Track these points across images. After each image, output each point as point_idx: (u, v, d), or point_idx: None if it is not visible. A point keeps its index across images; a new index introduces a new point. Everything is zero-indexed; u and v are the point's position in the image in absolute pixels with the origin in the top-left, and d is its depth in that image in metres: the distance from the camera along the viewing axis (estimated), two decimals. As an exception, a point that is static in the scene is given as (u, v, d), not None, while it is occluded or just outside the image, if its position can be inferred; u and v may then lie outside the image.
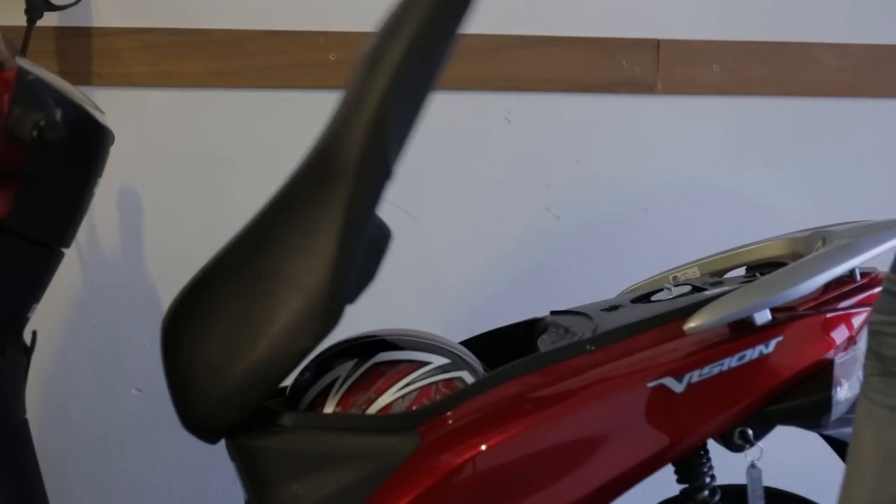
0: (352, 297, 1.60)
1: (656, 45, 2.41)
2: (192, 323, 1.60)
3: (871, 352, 1.39)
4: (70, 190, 1.66)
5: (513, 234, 2.40)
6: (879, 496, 1.36)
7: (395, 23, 1.53)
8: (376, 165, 1.54)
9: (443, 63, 1.55)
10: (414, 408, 1.58)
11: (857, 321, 1.65)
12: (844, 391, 1.61)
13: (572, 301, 1.80)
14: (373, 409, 1.59)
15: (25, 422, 1.70)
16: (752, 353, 1.60)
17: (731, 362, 1.59)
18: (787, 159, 2.45)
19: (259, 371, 1.57)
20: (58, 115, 1.52)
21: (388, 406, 1.59)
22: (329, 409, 1.59)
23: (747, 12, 2.42)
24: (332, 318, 1.55)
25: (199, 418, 1.62)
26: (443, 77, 2.37)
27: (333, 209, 1.54)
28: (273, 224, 1.57)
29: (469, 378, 1.63)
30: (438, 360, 1.63)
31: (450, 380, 1.62)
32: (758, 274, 1.77)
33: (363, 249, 1.57)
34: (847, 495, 1.39)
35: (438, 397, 1.60)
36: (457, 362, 1.64)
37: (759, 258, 1.81)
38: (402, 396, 1.59)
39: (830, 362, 1.60)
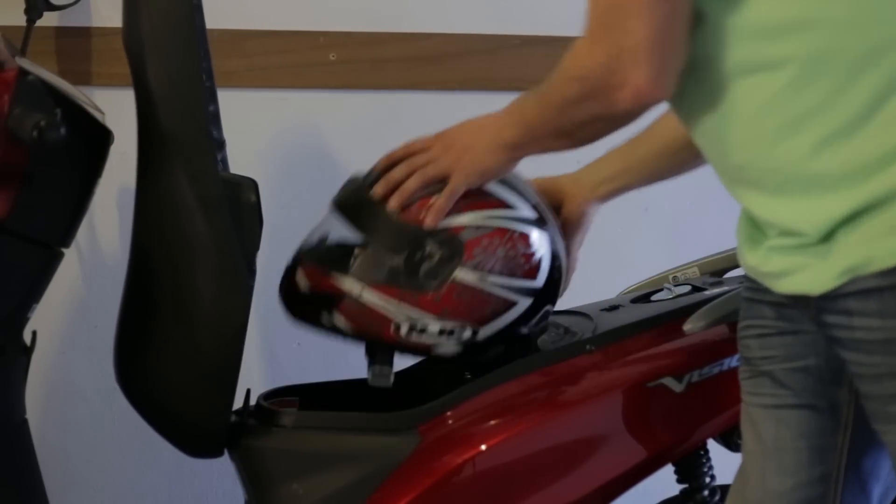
0: (250, 262, 1.64)
1: (656, 44, 2.41)
2: (137, 369, 1.66)
3: (741, 357, 1.46)
4: (70, 190, 1.66)
5: (513, 233, 2.40)
6: (764, 493, 1.40)
7: None
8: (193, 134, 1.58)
9: None
10: (483, 241, 1.54)
11: (857, 321, 1.65)
12: (844, 391, 1.60)
13: (572, 301, 1.80)
14: (444, 224, 1.54)
15: (25, 422, 1.70)
16: (751, 353, 1.60)
17: (731, 362, 1.59)
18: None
19: (211, 367, 1.60)
20: (58, 115, 1.52)
21: (460, 228, 1.54)
22: (394, 202, 1.55)
23: (747, 12, 2.41)
24: (243, 288, 1.61)
25: (191, 442, 1.65)
26: (443, 77, 2.38)
27: (181, 184, 1.57)
28: (151, 244, 1.63)
29: (545, 244, 1.58)
30: (526, 211, 1.57)
31: (525, 235, 1.56)
32: (758, 274, 1.77)
33: (228, 210, 1.59)
34: (739, 497, 1.43)
35: (509, 245, 1.55)
36: (540, 221, 1.58)
37: (759, 258, 1.80)
38: (478, 226, 1.54)
39: (830, 362, 1.60)
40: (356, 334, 1.59)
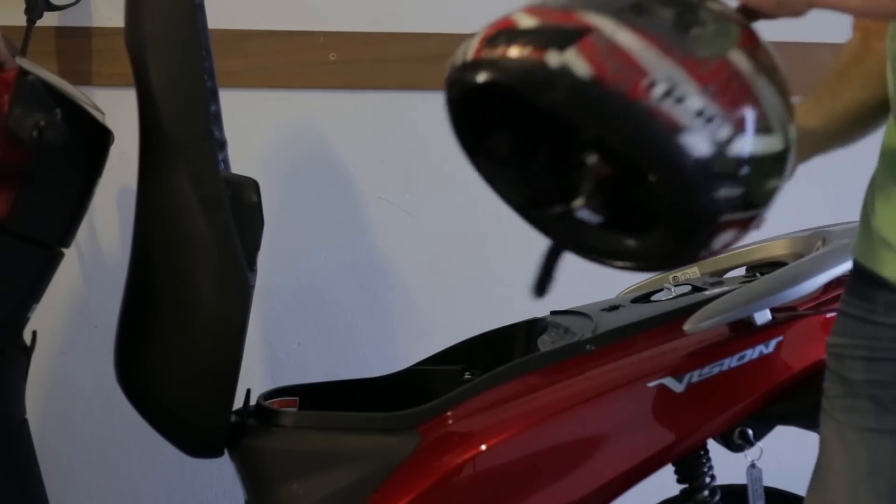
0: (250, 262, 1.62)
1: (656, 45, 2.41)
2: (137, 369, 1.66)
3: (834, 374, 1.39)
4: (70, 190, 1.66)
5: (513, 233, 2.39)
6: None
7: None
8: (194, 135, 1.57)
9: None
10: (762, 42, 1.21)
11: (857, 321, 1.65)
12: (844, 391, 1.60)
13: (572, 301, 1.80)
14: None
15: (25, 422, 1.70)
16: (752, 353, 1.60)
17: (731, 362, 1.59)
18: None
19: (211, 367, 1.60)
20: (58, 115, 1.53)
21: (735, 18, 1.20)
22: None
23: (747, 12, 2.41)
24: (244, 288, 1.59)
25: (191, 442, 1.65)
26: (442, 77, 2.37)
27: (182, 184, 1.56)
28: (151, 244, 1.62)
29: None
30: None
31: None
32: (758, 274, 1.77)
33: (229, 210, 1.58)
34: None
35: (780, 66, 1.22)
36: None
37: (759, 258, 1.81)
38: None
39: (830, 362, 1.60)
40: (592, 86, 1.12)
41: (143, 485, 2.37)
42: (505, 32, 1.18)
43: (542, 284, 1.32)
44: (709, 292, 1.68)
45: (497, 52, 1.17)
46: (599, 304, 1.77)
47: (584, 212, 1.21)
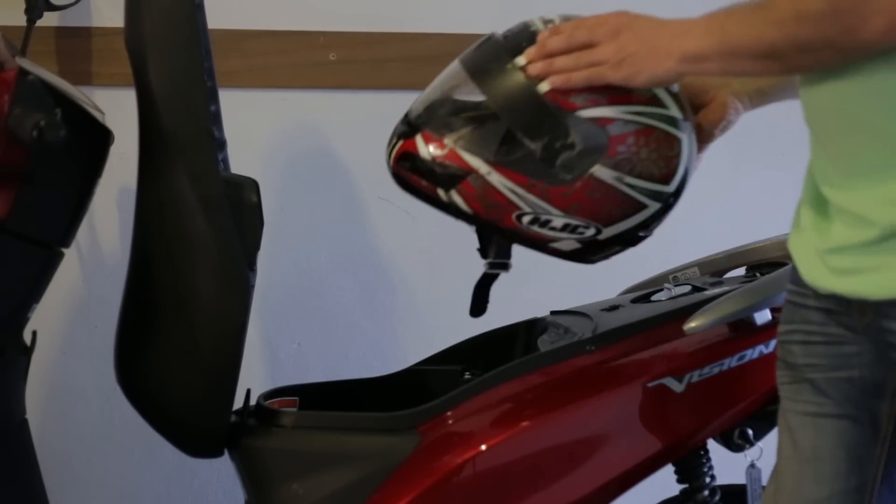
0: (250, 262, 1.62)
1: (656, 45, 2.41)
2: (137, 369, 1.66)
3: (781, 360, 1.41)
4: (70, 190, 1.66)
5: (513, 234, 2.40)
6: (799, 500, 1.38)
7: None
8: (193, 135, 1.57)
9: None
10: (629, 139, 1.39)
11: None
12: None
13: (572, 301, 1.80)
14: (591, 113, 1.40)
15: (25, 422, 1.70)
16: (752, 353, 1.60)
17: (731, 362, 1.59)
18: (787, 159, 2.44)
19: (211, 367, 1.60)
20: (58, 115, 1.52)
21: (609, 121, 1.39)
22: (547, 84, 1.39)
23: (747, 12, 2.41)
24: (244, 288, 1.59)
25: (191, 442, 1.66)
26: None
27: (182, 184, 1.57)
28: (151, 244, 1.62)
29: (686, 147, 1.45)
30: (674, 111, 1.43)
31: (673, 137, 1.43)
32: (758, 274, 1.77)
33: (229, 210, 1.59)
34: (773, 501, 1.41)
35: (654, 146, 1.41)
36: (685, 122, 1.45)
37: (759, 258, 1.81)
38: (626, 121, 1.39)
39: (830, 362, 1.60)
40: (473, 217, 1.45)
41: (143, 485, 2.37)
42: (409, 158, 1.46)
43: (478, 307, 1.57)
44: (709, 292, 1.68)
45: (406, 174, 1.47)
46: (599, 304, 1.77)
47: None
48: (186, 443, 1.67)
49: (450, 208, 1.45)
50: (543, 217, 1.42)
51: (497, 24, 2.40)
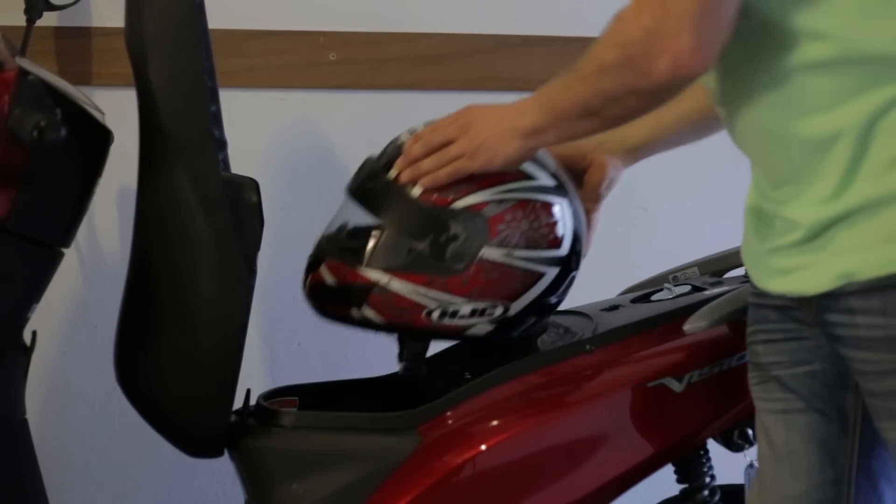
0: (250, 262, 1.62)
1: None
2: (137, 369, 1.66)
3: (749, 363, 1.47)
4: (70, 190, 1.66)
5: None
6: (778, 497, 1.40)
7: None
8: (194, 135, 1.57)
9: None
10: (506, 216, 1.52)
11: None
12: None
13: (572, 301, 1.80)
14: (465, 202, 1.52)
15: (25, 422, 1.70)
16: (752, 353, 1.60)
17: (731, 362, 1.59)
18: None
19: (211, 367, 1.60)
20: (58, 115, 1.52)
21: (483, 205, 1.52)
22: (419, 188, 1.53)
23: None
24: (244, 288, 1.59)
25: (191, 442, 1.66)
26: (443, 77, 2.38)
27: (182, 184, 1.57)
28: (151, 244, 1.62)
29: (567, 212, 1.57)
30: (545, 179, 1.55)
31: (549, 204, 1.55)
32: (758, 274, 1.77)
33: (229, 210, 1.59)
34: (756, 501, 1.43)
35: (532, 216, 1.54)
36: (560, 188, 1.57)
37: (759, 258, 1.80)
38: (499, 201, 1.52)
39: (830, 362, 1.60)
40: (389, 325, 1.57)
41: (143, 485, 2.37)
42: (319, 287, 1.60)
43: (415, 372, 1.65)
44: (709, 292, 1.68)
45: (321, 303, 1.61)
46: (599, 304, 1.77)
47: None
48: (186, 443, 1.67)
49: (367, 324, 1.56)
50: (451, 308, 1.53)
51: (497, 23, 2.41)
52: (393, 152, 1.58)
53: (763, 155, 1.35)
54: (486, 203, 1.51)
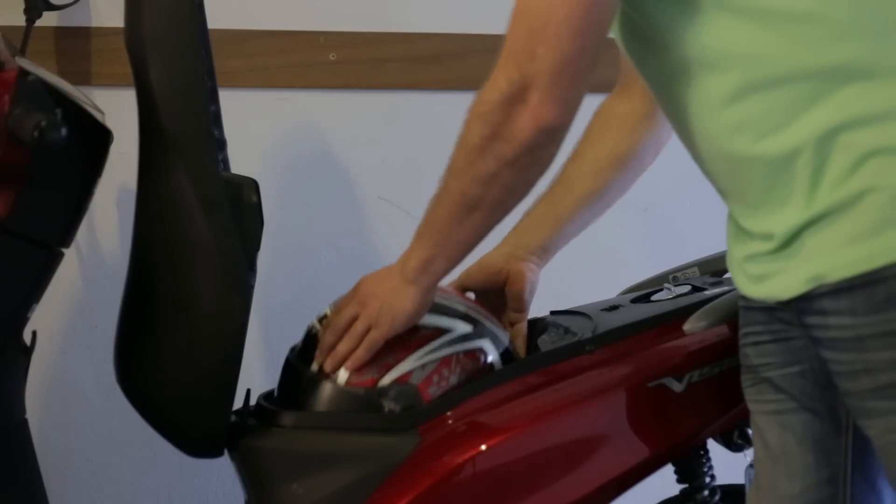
0: (250, 262, 1.62)
1: (656, 45, 2.41)
2: (137, 369, 1.66)
3: (742, 365, 1.48)
4: (70, 190, 1.66)
5: (513, 234, 2.40)
6: (775, 498, 1.41)
7: None
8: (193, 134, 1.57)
9: None
10: (434, 378, 1.56)
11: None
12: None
13: (572, 301, 1.80)
14: (390, 377, 1.56)
15: (25, 422, 1.70)
16: (752, 353, 1.60)
17: (731, 362, 1.59)
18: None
19: (211, 367, 1.60)
20: (58, 115, 1.52)
21: (408, 374, 1.56)
22: (343, 375, 1.57)
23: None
24: (244, 288, 1.58)
25: (191, 442, 1.66)
26: (443, 77, 2.38)
27: (182, 184, 1.56)
28: (151, 244, 1.62)
29: (490, 348, 1.60)
30: (461, 328, 1.59)
31: (472, 350, 1.59)
32: (758, 274, 1.77)
33: (229, 210, 1.58)
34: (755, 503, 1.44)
35: (459, 368, 1.57)
36: (479, 330, 1.60)
37: (759, 258, 1.80)
38: (423, 365, 1.56)
39: (830, 362, 1.60)
40: None
41: (143, 485, 2.37)
42: None
43: None
44: (709, 292, 1.68)
45: None
46: (599, 304, 1.77)
47: None
48: (186, 443, 1.67)
49: None
50: None
51: (497, 23, 2.40)
52: (309, 344, 1.61)
53: (732, 181, 1.36)
54: (410, 372, 1.55)
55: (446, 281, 1.70)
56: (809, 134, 1.25)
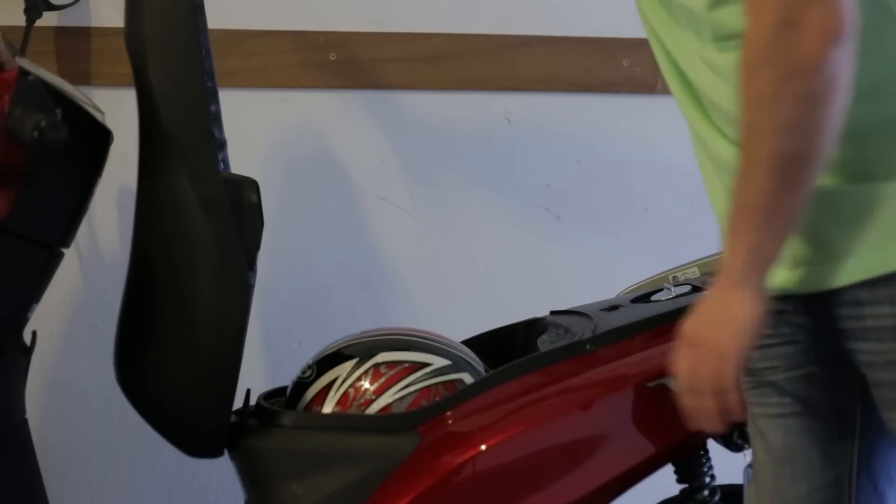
0: (250, 262, 1.63)
1: (656, 45, 2.41)
2: (137, 369, 1.66)
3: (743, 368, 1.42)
4: (70, 190, 1.66)
5: (513, 234, 2.40)
6: (780, 500, 1.40)
7: None
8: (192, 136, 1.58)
9: None
10: (413, 409, 1.57)
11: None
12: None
13: (572, 301, 1.80)
14: (371, 410, 1.58)
15: (25, 422, 1.70)
16: (751, 353, 1.60)
17: (731, 362, 1.59)
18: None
19: (211, 367, 1.60)
20: (58, 115, 1.53)
21: (388, 407, 1.58)
22: (328, 408, 1.59)
23: (747, 12, 2.41)
24: (244, 288, 1.59)
25: (191, 442, 1.66)
26: (443, 77, 2.38)
27: (182, 184, 1.57)
28: (151, 244, 1.63)
29: (469, 379, 1.63)
30: (439, 362, 1.62)
31: (450, 381, 1.61)
32: (757, 274, 1.76)
33: (229, 210, 1.59)
34: None
35: (437, 399, 1.59)
36: (458, 363, 1.63)
37: (759, 258, 1.80)
38: (402, 398, 1.59)
39: (830, 362, 1.60)
40: None
41: (143, 485, 2.37)
42: None
43: None
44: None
45: None
46: (599, 304, 1.77)
47: None
48: (186, 443, 1.67)
49: None
50: None
51: (497, 23, 2.41)
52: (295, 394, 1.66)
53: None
54: (389, 405, 1.59)
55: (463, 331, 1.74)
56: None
